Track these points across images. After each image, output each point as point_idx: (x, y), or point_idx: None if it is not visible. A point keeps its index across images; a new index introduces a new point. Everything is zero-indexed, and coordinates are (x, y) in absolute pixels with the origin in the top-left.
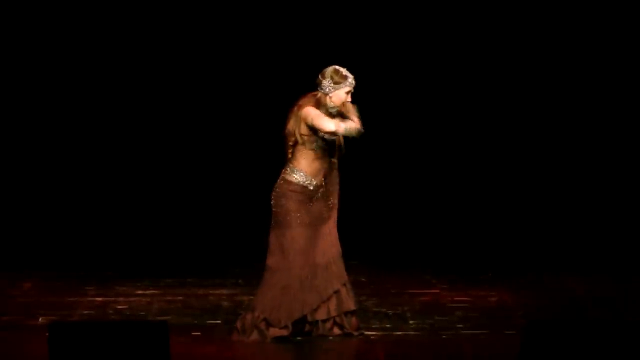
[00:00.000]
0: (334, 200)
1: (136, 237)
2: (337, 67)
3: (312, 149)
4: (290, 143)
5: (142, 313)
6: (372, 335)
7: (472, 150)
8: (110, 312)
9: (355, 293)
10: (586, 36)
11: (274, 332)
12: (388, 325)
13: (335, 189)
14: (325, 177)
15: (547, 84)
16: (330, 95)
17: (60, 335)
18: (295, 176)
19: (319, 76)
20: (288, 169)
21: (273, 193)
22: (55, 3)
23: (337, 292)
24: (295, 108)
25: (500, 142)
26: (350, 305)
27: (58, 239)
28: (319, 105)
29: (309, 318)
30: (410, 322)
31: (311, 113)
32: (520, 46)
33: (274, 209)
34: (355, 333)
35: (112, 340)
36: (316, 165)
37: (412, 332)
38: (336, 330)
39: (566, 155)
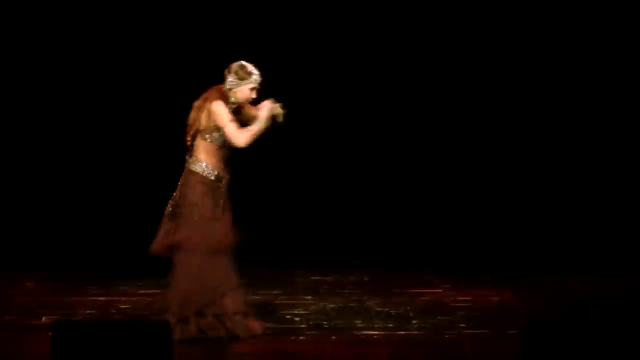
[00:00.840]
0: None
1: (139, 236)
2: (243, 62)
3: (211, 141)
4: (192, 133)
5: (145, 312)
6: (375, 334)
7: (475, 151)
8: (113, 311)
9: (354, 292)
10: (586, 36)
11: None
12: (391, 325)
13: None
14: (226, 168)
15: (547, 84)
16: (234, 90)
17: (63, 334)
18: (197, 167)
19: (225, 71)
20: (190, 159)
21: (178, 183)
22: (55, 3)
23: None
24: (201, 100)
25: (503, 143)
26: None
27: (60, 238)
28: (225, 99)
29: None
30: (413, 321)
31: (222, 115)
32: (520, 46)
33: (177, 200)
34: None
35: (115, 340)
36: (217, 156)
37: (415, 332)
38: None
39: (568, 156)
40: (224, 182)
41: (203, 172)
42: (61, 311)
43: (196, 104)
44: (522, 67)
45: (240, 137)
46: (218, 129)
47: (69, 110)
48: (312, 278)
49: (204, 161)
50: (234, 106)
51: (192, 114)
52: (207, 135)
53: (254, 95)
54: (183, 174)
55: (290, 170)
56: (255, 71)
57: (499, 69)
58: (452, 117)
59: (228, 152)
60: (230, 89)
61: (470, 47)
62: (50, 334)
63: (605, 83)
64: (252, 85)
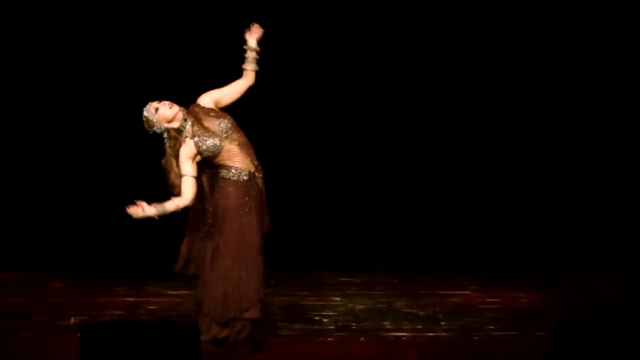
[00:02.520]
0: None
1: (167, 236)
2: (144, 116)
3: (216, 153)
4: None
5: (173, 313)
6: (404, 336)
7: (504, 152)
8: (141, 312)
9: (383, 294)
10: (586, 36)
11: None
12: (419, 326)
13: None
14: (250, 156)
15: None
16: (163, 124)
17: (91, 335)
18: (228, 173)
19: (149, 130)
20: (219, 169)
21: (219, 192)
22: (55, 3)
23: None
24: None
25: (531, 145)
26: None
27: (89, 239)
28: (179, 138)
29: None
30: (442, 323)
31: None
32: (520, 46)
33: (213, 213)
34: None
35: (143, 341)
36: (242, 154)
37: (443, 333)
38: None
39: (604, 157)
40: (259, 178)
41: (234, 176)
42: (90, 312)
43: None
44: (533, 68)
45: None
46: (206, 140)
47: (85, 110)
48: (341, 279)
49: (232, 165)
50: (186, 122)
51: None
52: (210, 153)
53: (158, 105)
54: (213, 186)
55: (319, 171)
56: (143, 110)
57: (516, 70)
58: (479, 118)
59: (243, 140)
60: (164, 127)
61: (471, 48)
62: (78, 334)
63: (608, 83)
64: (153, 105)
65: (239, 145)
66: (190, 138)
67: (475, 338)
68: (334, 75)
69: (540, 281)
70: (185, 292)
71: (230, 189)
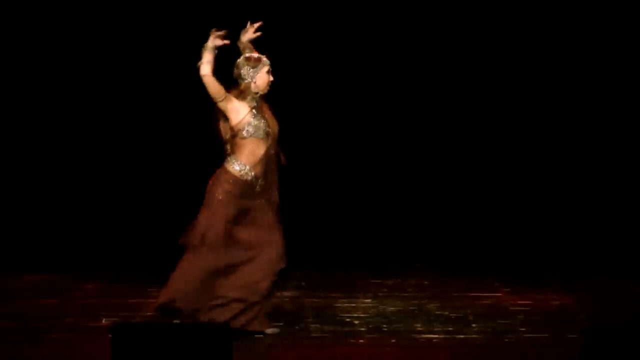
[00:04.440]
0: (275, 194)
1: None
2: (246, 55)
3: (249, 136)
4: (227, 137)
5: None
6: (435, 338)
7: (540, 156)
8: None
9: (414, 296)
10: (586, 36)
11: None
12: (450, 329)
13: (274, 179)
14: (265, 169)
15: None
16: (254, 79)
17: (123, 336)
18: (234, 167)
19: (235, 70)
20: (228, 158)
21: (212, 178)
22: (55, 3)
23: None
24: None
25: (566, 149)
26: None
27: (122, 240)
28: (244, 95)
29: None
30: (473, 325)
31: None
32: (520, 46)
33: (206, 193)
34: None
35: (175, 343)
36: (257, 155)
37: (475, 336)
38: None
39: (631, 161)
40: (259, 184)
41: (239, 172)
42: (122, 313)
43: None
44: (530, 69)
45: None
46: (249, 121)
47: (118, 109)
48: (372, 281)
49: (243, 162)
50: (257, 97)
51: (219, 117)
52: (243, 131)
53: (271, 78)
54: (216, 172)
55: (353, 174)
56: (261, 56)
57: (518, 72)
58: (507, 120)
59: (271, 153)
60: (250, 81)
61: (472, 48)
62: (110, 336)
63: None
64: (267, 68)
65: (265, 154)
66: (249, 106)
67: (506, 340)
68: (363, 82)
69: (572, 283)
70: None
71: (229, 181)
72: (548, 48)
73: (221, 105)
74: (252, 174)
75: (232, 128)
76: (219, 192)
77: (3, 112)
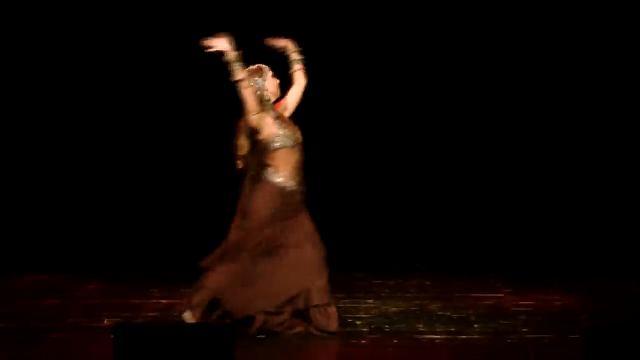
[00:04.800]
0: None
1: (202, 239)
2: (249, 67)
3: (283, 146)
4: (243, 153)
5: None
6: (436, 338)
7: (542, 157)
8: (175, 314)
9: (416, 296)
10: (586, 36)
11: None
12: (452, 329)
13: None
14: (301, 176)
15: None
16: (265, 87)
17: (125, 337)
18: (276, 178)
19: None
20: (266, 171)
21: (257, 192)
22: (55, 3)
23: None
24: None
25: (569, 150)
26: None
27: (123, 240)
28: (263, 107)
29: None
30: (475, 325)
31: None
32: (520, 46)
33: (249, 204)
34: None
35: (176, 343)
36: (292, 163)
37: (476, 336)
38: None
39: (634, 161)
40: (299, 192)
41: (282, 183)
42: (123, 314)
43: (241, 123)
44: (540, 70)
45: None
46: (277, 132)
47: (122, 110)
48: (374, 282)
49: (282, 172)
50: (270, 102)
51: (242, 133)
52: (274, 143)
53: (277, 80)
54: (254, 186)
55: (353, 174)
56: (259, 65)
57: (518, 72)
58: (509, 121)
59: (301, 159)
60: (264, 90)
61: (472, 48)
62: (112, 336)
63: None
64: (270, 73)
65: (298, 161)
66: (271, 117)
67: (508, 341)
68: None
69: (574, 284)
70: None
71: (272, 192)
72: (548, 48)
73: (254, 118)
74: (293, 182)
75: (260, 141)
76: (264, 204)
77: (4, 112)
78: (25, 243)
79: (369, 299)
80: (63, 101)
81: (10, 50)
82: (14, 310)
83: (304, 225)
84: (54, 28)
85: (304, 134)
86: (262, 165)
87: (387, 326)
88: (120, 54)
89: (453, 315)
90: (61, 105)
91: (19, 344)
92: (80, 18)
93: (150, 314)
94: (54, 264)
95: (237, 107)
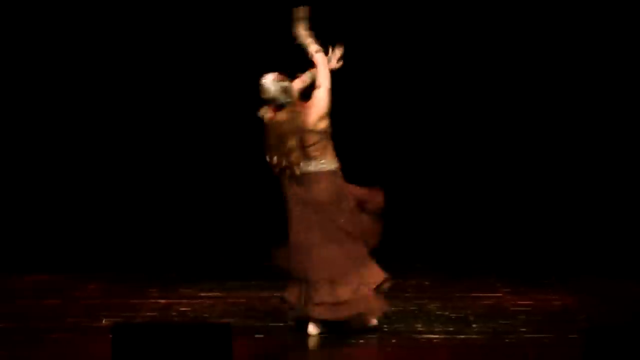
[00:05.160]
0: None
1: (201, 239)
2: (273, 79)
3: (327, 135)
4: (312, 142)
5: (205, 315)
6: (435, 338)
7: (542, 156)
8: (174, 314)
9: (415, 296)
10: (586, 36)
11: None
12: (451, 329)
13: None
14: None
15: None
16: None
17: (124, 336)
18: (335, 164)
19: (281, 93)
20: (320, 162)
21: (333, 188)
22: (55, 3)
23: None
24: (286, 112)
25: (567, 150)
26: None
27: (122, 240)
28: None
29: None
30: (473, 325)
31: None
32: (520, 46)
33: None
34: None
35: (175, 342)
36: (333, 148)
37: (475, 336)
38: None
39: (633, 161)
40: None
41: (337, 167)
42: (122, 313)
43: (280, 118)
44: (538, 71)
45: (325, 81)
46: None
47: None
48: None
49: (331, 158)
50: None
51: (285, 127)
52: (321, 131)
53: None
54: (309, 181)
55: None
56: (262, 82)
57: (516, 72)
58: (508, 121)
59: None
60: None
61: (472, 48)
62: (111, 336)
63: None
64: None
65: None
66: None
67: (507, 341)
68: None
69: (573, 284)
70: (218, 294)
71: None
72: (548, 48)
73: (326, 92)
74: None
75: (322, 130)
76: (343, 190)
77: (3, 112)
78: (25, 243)
79: None
80: (62, 101)
81: (11, 50)
82: (13, 310)
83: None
84: (56, 28)
85: None
86: (314, 156)
87: (385, 326)
88: (117, 55)
89: (452, 315)
90: (59, 106)
91: (19, 344)
92: (80, 18)
93: (149, 313)
94: (53, 264)
95: (237, 106)
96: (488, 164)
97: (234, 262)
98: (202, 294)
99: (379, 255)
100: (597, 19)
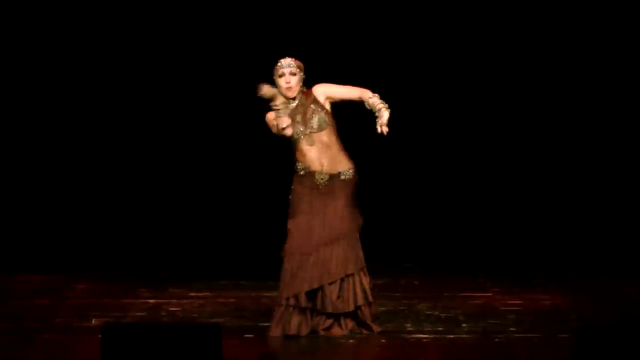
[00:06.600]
0: None
1: (190, 239)
2: (271, 101)
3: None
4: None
5: (194, 315)
6: (424, 338)
7: (532, 156)
8: (163, 314)
9: (405, 296)
10: (586, 36)
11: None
12: (440, 328)
13: None
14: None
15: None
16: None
17: (113, 337)
18: (297, 166)
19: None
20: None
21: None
22: (55, 3)
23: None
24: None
25: (559, 149)
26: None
27: (112, 240)
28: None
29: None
30: (463, 325)
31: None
32: (520, 46)
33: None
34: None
35: (164, 343)
36: (300, 150)
37: (465, 335)
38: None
39: (632, 160)
40: (319, 179)
41: (297, 169)
42: (112, 313)
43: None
44: (537, 71)
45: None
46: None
47: (122, 115)
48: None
49: (297, 161)
50: (282, 103)
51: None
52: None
53: (283, 84)
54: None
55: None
56: (281, 61)
57: (515, 73)
58: (501, 120)
59: (320, 145)
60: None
61: (471, 47)
62: (100, 336)
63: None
64: (279, 74)
65: (314, 146)
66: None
67: (496, 340)
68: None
69: (563, 283)
70: (207, 294)
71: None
72: (548, 48)
73: (351, 89)
74: (304, 167)
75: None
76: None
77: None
78: (15, 243)
79: None
80: (59, 103)
81: (11, 50)
82: (4, 310)
83: None
84: (56, 28)
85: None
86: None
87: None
88: (117, 55)
89: (441, 315)
90: (59, 106)
91: (9, 344)
92: (80, 18)
93: (138, 313)
94: (43, 265)
95: (236, 107)
96: (478, 164)
97: (224, 262)
98: (192, 294)
99: (370, 255)
100: (597, 19)
